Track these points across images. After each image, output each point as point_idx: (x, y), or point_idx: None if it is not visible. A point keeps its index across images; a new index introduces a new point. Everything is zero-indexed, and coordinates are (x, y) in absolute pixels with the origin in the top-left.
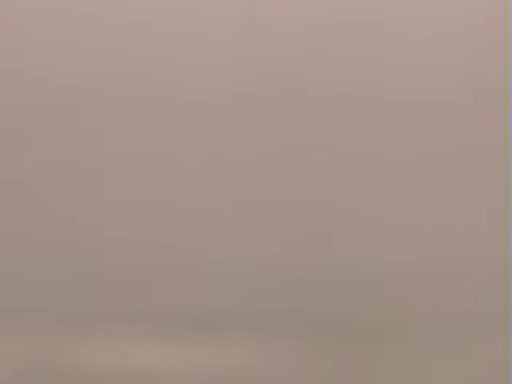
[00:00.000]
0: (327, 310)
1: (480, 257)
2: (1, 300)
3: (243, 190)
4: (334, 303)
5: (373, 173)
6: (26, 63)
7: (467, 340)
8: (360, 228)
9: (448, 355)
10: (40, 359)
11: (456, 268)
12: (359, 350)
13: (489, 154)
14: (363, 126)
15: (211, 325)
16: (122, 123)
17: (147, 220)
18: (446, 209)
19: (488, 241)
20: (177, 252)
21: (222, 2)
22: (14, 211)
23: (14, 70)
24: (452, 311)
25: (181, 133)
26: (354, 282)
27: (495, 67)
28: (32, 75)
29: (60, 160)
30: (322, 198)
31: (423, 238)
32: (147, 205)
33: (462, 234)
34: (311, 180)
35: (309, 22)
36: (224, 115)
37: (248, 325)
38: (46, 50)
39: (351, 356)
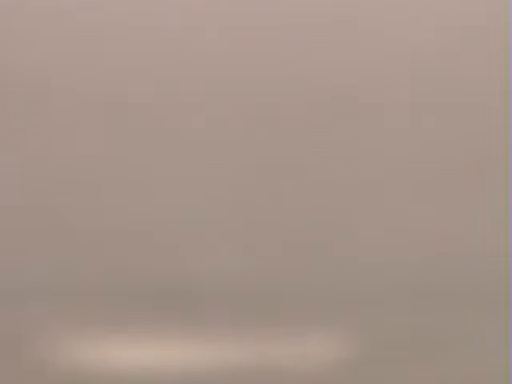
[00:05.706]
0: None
1: (480, 258)
2: None
3: (240, 192)
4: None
5: (372, 177)
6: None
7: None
8: (360, 235)
9: (449, 358)
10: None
11: (456, 271)
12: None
13: (489, 154)
14: (364, 132)
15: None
16: (120, 125)
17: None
18: (445, 212)
19: (488, 243)
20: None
21: (220, 12)
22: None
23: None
24: (453, 319)
25: (181, 135)
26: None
27: (495, 68)
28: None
29: (59, 161)
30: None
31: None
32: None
33: (462, 237)
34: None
35: (309, 25)
36: (223, 117)
37: None
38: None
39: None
